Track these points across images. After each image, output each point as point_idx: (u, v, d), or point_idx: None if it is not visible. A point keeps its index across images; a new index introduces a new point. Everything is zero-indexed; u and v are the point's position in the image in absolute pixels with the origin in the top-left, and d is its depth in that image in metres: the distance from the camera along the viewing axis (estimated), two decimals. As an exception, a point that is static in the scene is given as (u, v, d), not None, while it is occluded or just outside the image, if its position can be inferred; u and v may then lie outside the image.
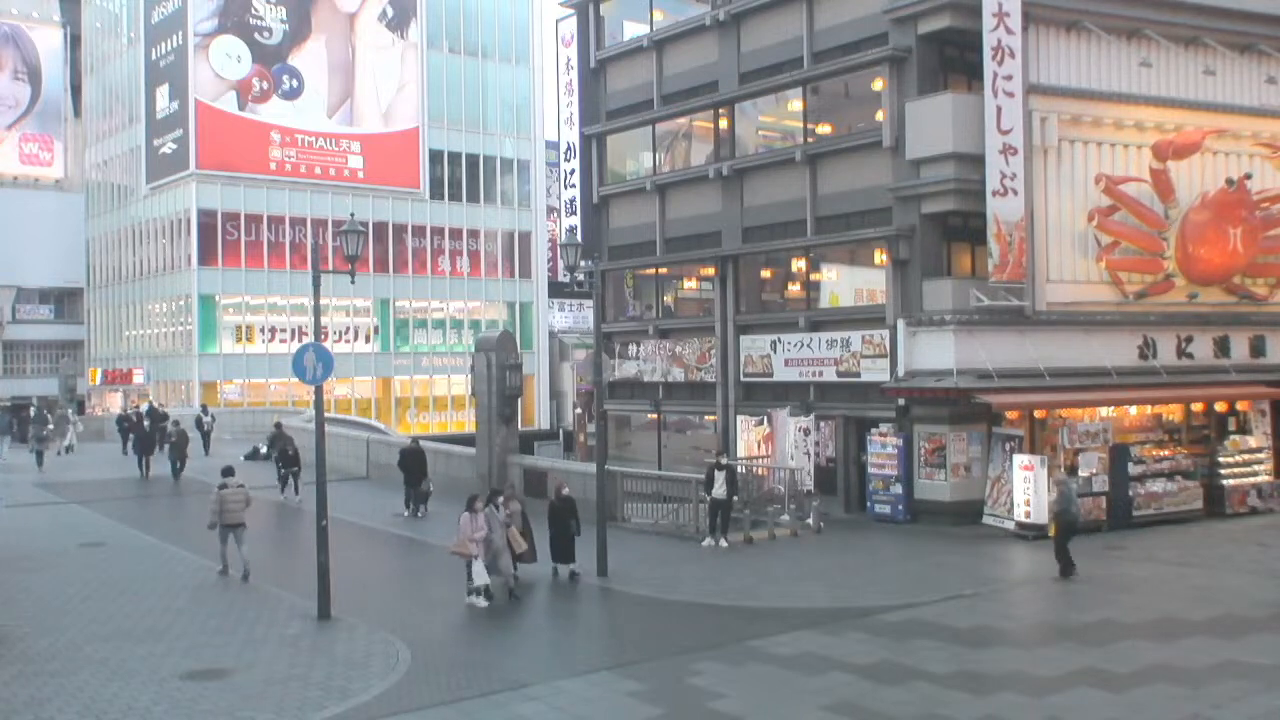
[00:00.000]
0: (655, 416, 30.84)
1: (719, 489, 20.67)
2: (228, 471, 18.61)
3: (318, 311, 16.19)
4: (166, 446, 31.01)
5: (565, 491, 18.52)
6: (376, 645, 13.81)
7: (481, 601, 15.88)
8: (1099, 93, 24.00)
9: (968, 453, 23.03)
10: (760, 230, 27.74)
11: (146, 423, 34.18)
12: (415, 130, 58.77)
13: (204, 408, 41.07)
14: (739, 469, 25.10)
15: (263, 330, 54.75)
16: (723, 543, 20.56)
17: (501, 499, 17.41)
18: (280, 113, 54.33)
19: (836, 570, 18.71)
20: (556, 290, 64.07)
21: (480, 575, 16.01)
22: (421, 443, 28.61)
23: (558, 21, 34.71)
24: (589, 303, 52.43)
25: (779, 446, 24.84)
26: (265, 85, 54.00)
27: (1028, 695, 11.63)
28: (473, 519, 16.16)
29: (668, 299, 31.85)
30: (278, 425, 29.56)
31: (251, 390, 53.54)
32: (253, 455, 35.31)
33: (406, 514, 24.27)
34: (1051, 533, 18.65)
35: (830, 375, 25.34)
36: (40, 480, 30.58)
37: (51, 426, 37.85)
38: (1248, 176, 25.46)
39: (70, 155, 69.26)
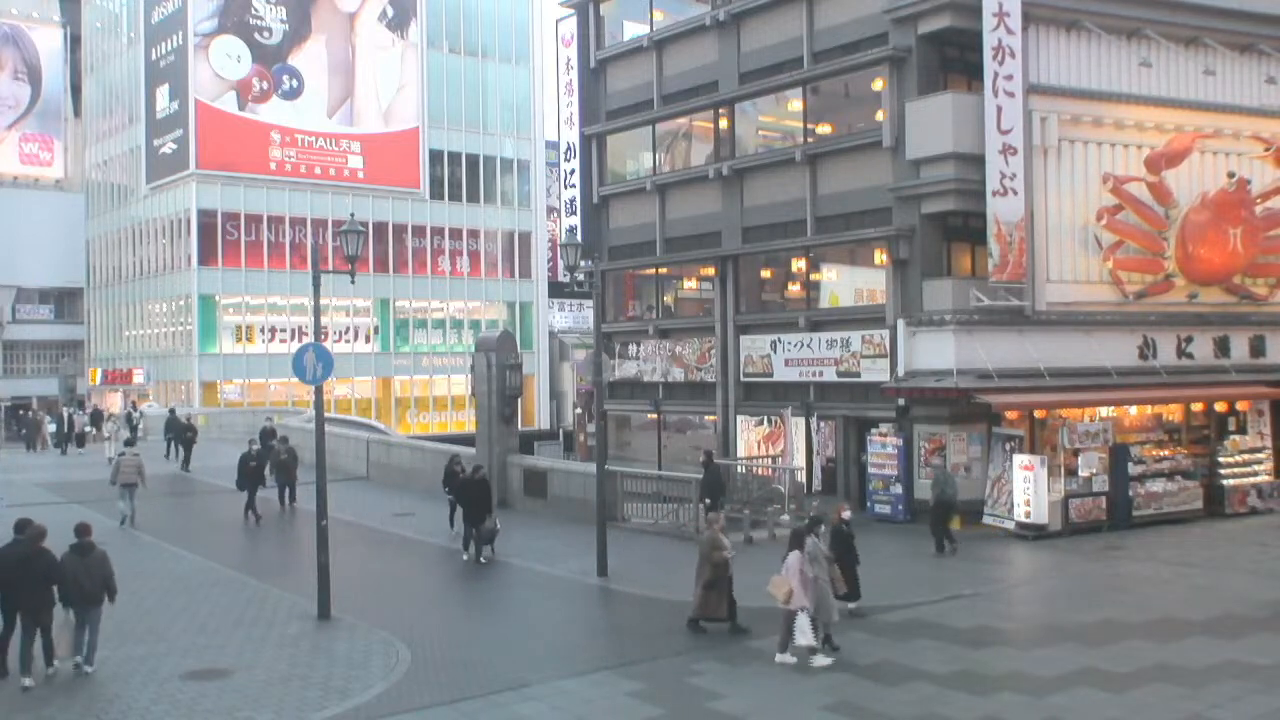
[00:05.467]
0: (655, 416, 30.84)
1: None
2: (129, 443, 25.02)
3: (318, 311, 16.19)
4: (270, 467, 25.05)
5: (847, 515, 15.84)
6: (376, 645, 13.81)
7: (822, 659, 12.80)
8: (1099, 93, 24.00)
9: (968, 453, 23.04)
10: (760, 230, 27.73)
11: (256, 447, 25.72)
12: (415, 130, 58.76)
13: (133, 404, 41.07)
14: (739, 468, 25.14)
15: (263, 330, 54.74)
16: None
17: (823, 526, 14.37)
18: (280, 113, 54.32)
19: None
20: (556, 290, 64.06)
21: (805, 633, 12.79)
22: (426, 445, 28.05)
23: (558, 21, 34.71)
24: (589, 303, 52.43)
25: (788, 447, 24.92)
26: (265, 85, 54.00)
27: (1028, 695, 11.63)
28: (803, 559, 13.09)
29: (668, 299, 31.85)
30: (454, 458, 22.61)
31: (251, 390, 53.53)
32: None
33: (466, 557, 19.57)
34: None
35: (830, 375, 25.34)
36: (42, 480, 30.60)
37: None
38: (1247, 181, 25.48)
39: (70, 155, 69.23)
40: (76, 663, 12.39)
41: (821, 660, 12.76)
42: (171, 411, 40.36)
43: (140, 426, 37.85)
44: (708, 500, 20.92)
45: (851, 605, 14.88)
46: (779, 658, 12.86)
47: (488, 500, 19.75)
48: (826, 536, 14.62)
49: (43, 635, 12.13)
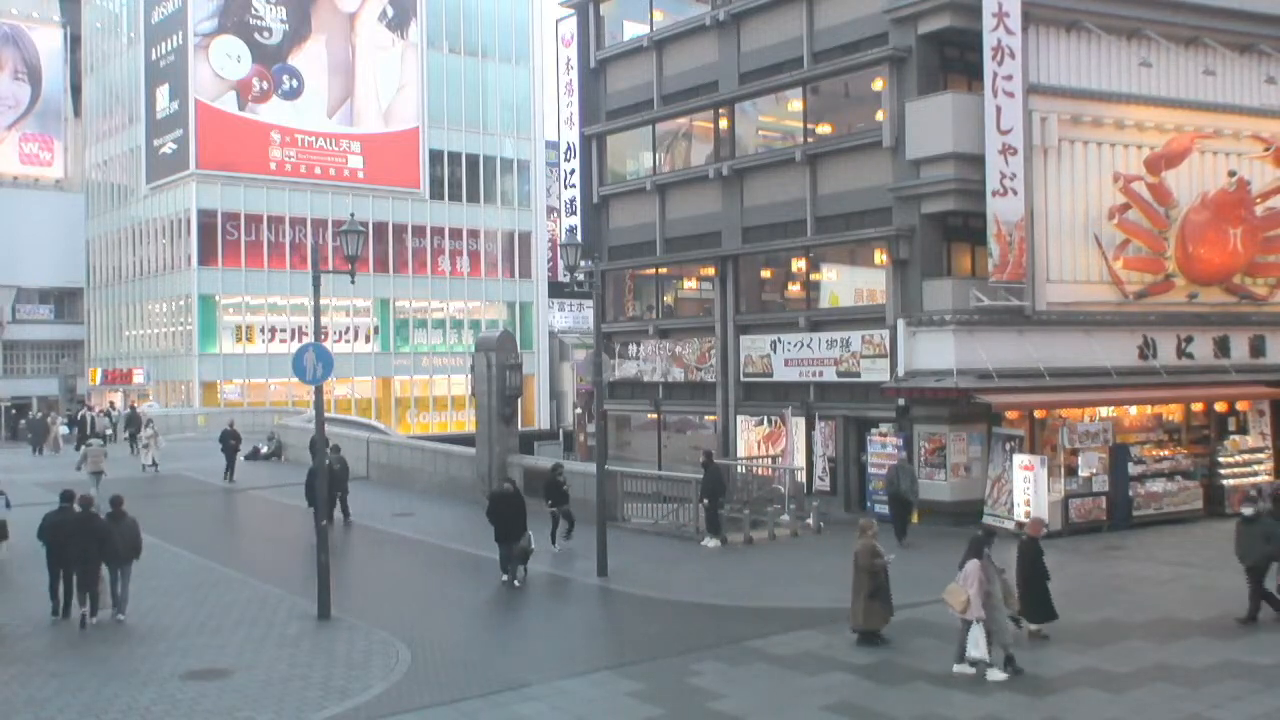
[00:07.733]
0: (655, 416, 30.84)
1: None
2: (97, 435, 30.09)
3: (318, 311, 16.20)
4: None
5: (1043, 531, 14.87)
6: (376, 645, 13.82)
7: (997, 674, 12.19)
8: (1099, 93, 23.99)
9: (968, 453, 23.03)
10: (760, 230, 27.73)
11: (329, 461, 22.82)
12: (415, 130, 58.77)
13: (111, 404, 40.90)
14: (739, 468, 25.16)
15: (263, 330, 54.76)
16: (709, 542, 20.62)
17: (994, 539, 13.44)
18: (280, 113, 54.33)
19: (836, 570, 18.61)
20: (556, 290, 64.07)
21: (979, 645, 12.23)
22: (426, 445, 27.38)
23: (558, 21, 34.70)
24: (589, 303, 52.44)
25: (788, 447, 24.92)
26: (265, 85, 54.00)
27: (1028, 695, 11.63)
28: (984, 568, 12.57)
29: (668, 299, 31.85)
30: (557, 468, 21.73)
31: (251, 390, 53.54)
32: (253, 455, 35.33)
33: (518, 583, 17.90)
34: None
35: (830, 375, 25.34)
36: (43, 480, 30.57)
37: None
38: (1247, 182, 25.48)
39: (70, 155, 69.25)
40: (119, 619, 14.84)
41: (996, 675, 12.15)
42: (132, 409, 40.39)
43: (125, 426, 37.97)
44: (707, 500, 20.97)
45: (1033, 626, 13.80)
46: (956, 668, 12.43)
47: (522, 517, 18.21)
48: (1007, 550, 14.39)
49: (88, 589, 14.58)
